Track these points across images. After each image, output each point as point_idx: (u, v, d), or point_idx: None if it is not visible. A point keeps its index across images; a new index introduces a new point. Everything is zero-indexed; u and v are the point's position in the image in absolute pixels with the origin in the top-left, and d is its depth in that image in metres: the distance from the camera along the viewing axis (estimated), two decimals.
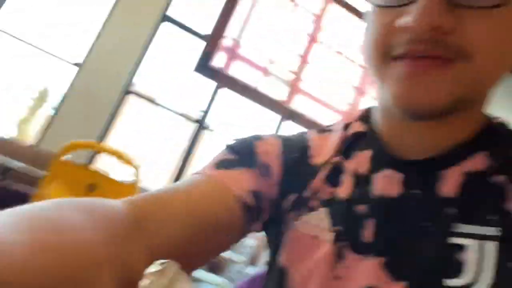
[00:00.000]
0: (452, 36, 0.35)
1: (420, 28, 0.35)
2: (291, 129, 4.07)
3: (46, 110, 4.46)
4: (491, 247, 0.36)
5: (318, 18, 4.23)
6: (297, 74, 4.15)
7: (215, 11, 3.90)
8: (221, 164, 0.47)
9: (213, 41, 3.84)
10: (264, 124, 4.15)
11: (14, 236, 0.24)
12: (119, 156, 1.10)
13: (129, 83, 3.82)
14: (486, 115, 0.45)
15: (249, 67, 4.00)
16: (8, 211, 0.28)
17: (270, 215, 0.49)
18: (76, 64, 3.83)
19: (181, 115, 4.41)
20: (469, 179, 0.40)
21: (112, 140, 3.81)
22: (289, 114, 4.10)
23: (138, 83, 3.99)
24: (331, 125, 0.55)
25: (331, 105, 4.25)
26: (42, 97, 4.38)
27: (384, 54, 0.39)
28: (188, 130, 4.09)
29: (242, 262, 2.93)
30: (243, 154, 0.49)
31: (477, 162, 0.41)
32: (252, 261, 2.94)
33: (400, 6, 0.37)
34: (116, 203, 0.38)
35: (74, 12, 3.86)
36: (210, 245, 0.44)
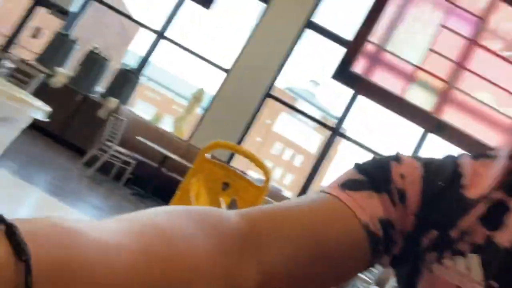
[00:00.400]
0: None
1: None
2: (437, 144, 3.66)
3: (199, 110, 5.01)
4: None
5: (482, 19, 3.70)
6: (449, 82, 3.71)
7: (359, 17, 3.79)
8: (349, 185, 0.42)
9: (354, 46, 3.73)
10: (404, 137, 3.84)
11: (123, 241, 0.24)
12: (253, 159, 1.15)
13: (270, 87, 4.00)
14: None
15: (392, 74, 3.76)
16: (122, 216, 0.28)
17: (402, 249, 0.43)
18: (225, 70, 4.20)
19: (317, 121, 4.42)
20: None
21: (251, 141, 4.05)
22: (435, 127, 3.69)
23: (278, 87, 4.16)
24: (491, 151, 0.45)
25: (492, 119, 3.67)
26: (197, 98, 4.93)
27: None
28: (323, 136, 4.08)
29: (369, 281, 2.76)
30: (374, 175, 0.43)
31: None
32: (379, 283, 2.74)
33: None
34: (231, 215, 0.37)
35: (227, 22, 4.25)
36: (327, 272, 0.39)
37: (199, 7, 4.28)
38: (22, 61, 3.81)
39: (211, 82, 4.26)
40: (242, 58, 4.03)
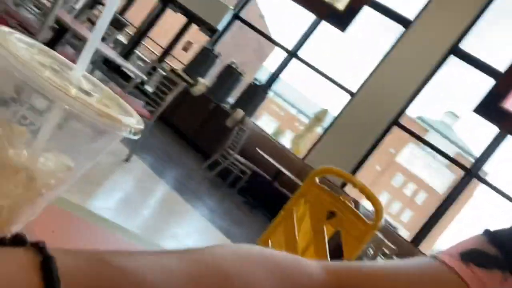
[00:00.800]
0: None
1: None
2: None
3: (319, 130, 4.99)
4: None
5: None
6: None
7: None
8: (474, 257, 0.34)
9: (506, 78, 3.25)
10: None
11: (173, 283, 0.22)
12: (364, 190, 1.07)
13: (399, 114, 3.75)
14: None
15: None
16: (191, 251, 0.26)
17: None
18: (350, 93, 4.08)
19: (449, 157, 3.96)
20: None
21: (370, 169, 3.85)
22: None
23: (408, 116, 3.88)
24: None
25: None
26: (319, 118, 4.92)
27: None
28: (455, 176, 3.63)
29: None
30: (509, 251, 0.34)
31: None
32: None
33: None
34: (315, 268, 0.33)
35: (361, 45, 4.15)
36: None
37: (334, 29, 4.28)
38: (172, 70, 4.36)
39: (336, 104, 4.19)
40: (370, 81, 3.88)
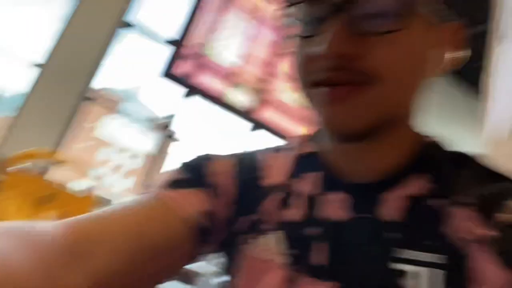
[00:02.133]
0: (359, 62, 0.38)
1: (328, 56, 0.38)
2: (262, 139, 4.07)
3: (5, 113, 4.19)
4: (429, 274, 0.36)
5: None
6: (265, 83, 4.17)
7: (181, 17, 3.86)
8: (173, 184, 0.46)
9: (178, 46, 3.79)
10: (234, 134, 4.13)
11: None
12: (74, 166, 1.04)
13: (87, 89, 3.67)
14: (419, 134, 0.46)
15: (215, 75, 3.98)
16: None
17: (224, 236, 0.48)
18: (38, 65, 3.64)
19: (145, 122, 4.31)
20: (409, 203, 0.41)
21: (71, 148, 3.65)
22: (259, 124, 4.10)
23: (98, 89, 3.86)
24: (283, 145, 0.56)
25: (299, 115, 4.31)
26: None
27: (307, 80, 0.42)
28: (153, 138, 3.99)
29: (215, 273, 2.86)
30: (194, 174, 0.48)
31: (416, 185, 0.42)
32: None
33: (312, 36, 0.40)
34: (49, 227, 0.36)
35: (33, 12, 3.69)
36: (156, 268, 0.42)
37: None
38: None
39: (17, 79, 3.63)
40: (55, 53, 3.57)
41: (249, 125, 4.08)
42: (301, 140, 0.54)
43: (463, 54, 0.44)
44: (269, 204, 0.47)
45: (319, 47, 0.38)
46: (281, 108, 4.22)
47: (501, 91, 1.59)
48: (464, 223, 0.38)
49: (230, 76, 4.01)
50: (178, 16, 3.85)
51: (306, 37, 0.41)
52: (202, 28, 3.87)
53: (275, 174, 0.50)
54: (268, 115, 4.12)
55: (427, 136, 0.47)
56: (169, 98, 3.92)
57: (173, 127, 3.92)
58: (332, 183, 0.46)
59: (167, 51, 3.75)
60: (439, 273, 0.36)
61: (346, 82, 0.38)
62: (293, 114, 4.25)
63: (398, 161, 0.44)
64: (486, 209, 0.38)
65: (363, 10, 0.37)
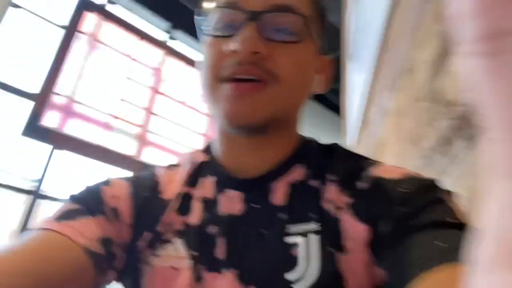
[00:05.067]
0: (267, 62, 0.45)
1: (244, 52, 0.44)
2: None
3: None
4: (314, 239, 0.44)
5: (158, 71, 4.31)
6: (144, 126, 4.08)
7: (44, 69, 3.58)
8: (63, 216, 0.45)
9: (42, 99, 3.49)
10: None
11: None
12: None
13: None
14: (301, 135, 0.55)
15: (88, 124, 3.75)
16: None
17: (126, 260, 0.49)
18: None
19: (11, 187, 3.79)
20: (293, 187, 0.48)
21: None
22: (140, 168, 3.95)
23: None
24: (178, 161, 0.59)
25: (180, 152, 4.29)
26: None
27: (215, 76, 0.46)
28: (23, 204, 3.51)
29: None
30: (87, 202, 0.48)
31: (297, 172, 0.50)
32: None
33: (229, 36, 0.46)
34: None
35: None
36: None
37: None
38: None
39: None
40: None
41: (133, 169, 3.91)
42: (193, 153, 0.57)
43: (331, 83, 0.55)
44: (170, 214, 0.50)
45: (234, 44, 0.44)
46: (164, 148, 4.17)
47: (352, 106, 1.86)
48: (332, 195, 0.45)
49: (107, 123, 3.83)
50: (41, 67, 3.56)
51: (221, 37, 0.47)
52: (69, 77, 3.65)
53: (173, 187, 0.52)
54: (152, 157, 4.03)
55: (304, 136, 0.55)
56: (36, 156, 3.53)
57: (45, 187, 3.52)
58: (225, 183, 0.50)
59: (30, 106, 3.42)
60: (318, 238, 0.43)
61: (251, 77, 0.44)
62: (176, 152, 4.23)
63: (282, 155, 0.50)
64: (348, 182, 0.46)
65: (272, 22, 0.45)
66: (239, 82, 0.45)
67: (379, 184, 0.43)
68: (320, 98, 5.57)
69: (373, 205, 0.42)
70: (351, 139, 1.79)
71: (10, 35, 3.51)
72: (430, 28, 0.85)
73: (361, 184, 0.45)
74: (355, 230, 0.42)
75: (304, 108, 0.53)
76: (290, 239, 0.44)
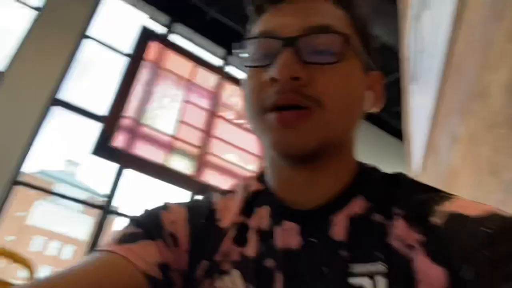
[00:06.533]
0: (308, 87, 0.43)
1: (283, 79, 0.42)
2: None
3: None
4: (382, 283, 0.40)
5: (215, 95, 4.46)
6: (203, 148, 4.21)
7: (111, 94, 3.87)
8: (125, 239, 0.46)
9: (111, 121, 3.75)
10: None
11: None
12: (10, 255, 0.96)
13: (18, 172, 3.45)
14: (359, 162, 0.51)
15: (152, 145, 3.96)
16: None
17: (182, 286, 0.49)
18: None
19: (83, 202, 4.07)
20: (354, 222, 0.45)
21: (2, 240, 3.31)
22: (200, 189, 4.06)
23: (28, 173, 3.63)
24: (232, 188, 0.58)
25: (239, 174, 4.35)
26: None
27: (259, 107, 0.45)
28: (93, 218, 3.75)
29: None
30: (148, 226, 0.48)
31: (357, 205, 0.46)
32: None
33: (267, 65, 0.45)
34: None
35: None
36: None
37: None
38: None
39: None
40: None
41: (189, 193, 4.02)
42: (247, 180, 0.56)
43: (383, 98, 0.52)
44: (227, 244, 0.49)
45: (272, 71, 0.43)
46: (221, 169, 4.25)
47: (416, 131, 1.77)
48: (401, 232, 0.41)
49: (168, 144, 4.01)
50: (109, 91, 3.86)
51: (259, 67, 0.46)
52: (134, 101, 3.91)
53: (230, 214, 0.51)
54: (210, 178, 4.13)
55: (364, 163, 0.51)
56: (106, 174, 3.77)
57: (114, 203, 3.75)
58: (281, 214, 0.48)
59: (100, 127, 3.70)
60: (386, 281, 0.39)
61: (295, 105, 0.43)
62: (233, 174, 4.29)
63: (340, 185, 0.47)
64: (419, 216, 0.41)
65: (310, 44, 0.44)
66: (283, 110, 0.43)
67: (457, 220, 0.38)
68: (381, 123, 5.38)
69: (451, 245, 0.37)
70: (416, 167, 1.69)
71: (83, 63, 3.84)
72: (503, 48, 0.79)
73: (435, 220, 0.39)
74: (429, 273, 0.37)
75: (358, 131, 0.49)
76: (354, 280, 0.41)
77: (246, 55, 0.48)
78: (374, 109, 0.51)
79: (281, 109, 0.43)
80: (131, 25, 4.11)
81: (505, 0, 0.73)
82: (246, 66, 0.48)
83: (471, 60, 1.00)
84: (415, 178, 0.48)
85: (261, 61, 0.46)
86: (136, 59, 4.01)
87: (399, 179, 0.48)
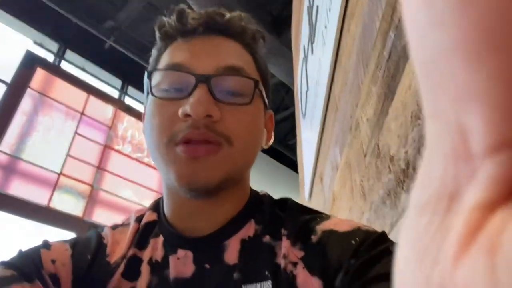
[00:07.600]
0: (220, 124, 0.45)
1: (197, 115, 0.43)
2: None
3: None
4: None
5: (110, 127, 4.23)
6: (94, 184, 3.90)
7: None
8: None
9: None
10: None
11: None
12: None
13: None
14: (252, 190, 0.55)
15: (33, 183, 3.53)
16: None
17: None
18: None
19: None
20: (244, 244, 0.47)
21: None
22: (87, 229, 3.71)
23: None
24: (126, 220, 0.55)
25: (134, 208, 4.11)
26: None
27: (168, 139, 0.45)
28: None
29: None
30: (23, 267, 0.44)
31: (248, 229, 0.49)
32: None
33: (180, 99, 0.45)
34: None
35: None
36: None
37: None
38: None
39: None
40: None
41: (79, 231, 3.66)
42: (141, 212, 0.55)
43: (273, 136, 0.57)
44: (117, 279, 0.47)
45: (187, 107, 0.43)
46: (115, 207, 3.98)
47: (306, 161, 1.92)
48: (286, 251, 0.44)
49: (53, 182, 3.62)
50: None
51: (171, 99, 0.46)
52: (12, 133, 3.48)
53: (120, 248, 0.50)
54: (101, 217, 3.81)
55: (256, 191, 0.55)
56: None
57: None
58: (175, 243, 0.48)
59: None
60: None
61: (204, 141, 0.44)
62: (128, 211, 4.04)
63: (235, 212, 0.49)
64: (300, 236, 0.45)
65: (223, 84, 0.46)
66: (193, 144, 0.44)
67: (330, 236, 0.43)
68: (278, 155, 5.70)
69: (324, 258, 0.42)
70: (306, 193, 1.82)
71: None
72: (369, 89, 0.92)
73: (313, 237, 0.45)
74: (309, 285, 0.41)
75: (257, 163, 0.53)
76: None
77: (153, 84, 0.48)
78: (265, 146, 0.56)
79: (190, 143, 0.44)
80: (14, 51, 3.73)
81: (370, 49, 0.86)
82: (155, 97, 0.47)
83: (346, 99, 1.14)
84: (304, 203, 0.53)
85: (172, 94, 0.46)
86: (17, 86, 3.62)
87: (287, 203, 0.53)
